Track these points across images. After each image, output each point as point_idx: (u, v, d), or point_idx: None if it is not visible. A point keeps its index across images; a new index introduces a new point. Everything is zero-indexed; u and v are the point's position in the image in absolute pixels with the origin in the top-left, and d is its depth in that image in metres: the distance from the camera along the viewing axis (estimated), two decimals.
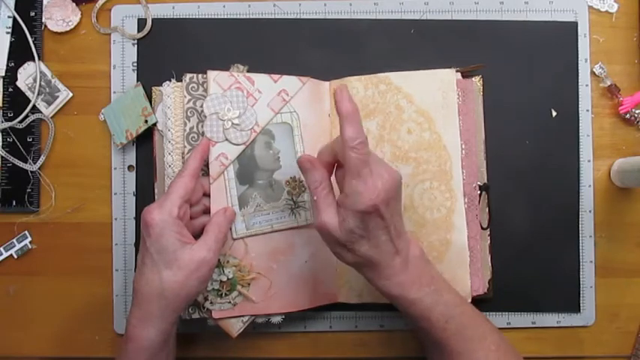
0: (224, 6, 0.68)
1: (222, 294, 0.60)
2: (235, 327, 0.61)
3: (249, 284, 0.61)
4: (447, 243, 0.63)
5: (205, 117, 0.60)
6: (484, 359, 0.54)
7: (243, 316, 0.61)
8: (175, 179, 0.57)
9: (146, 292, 0.54)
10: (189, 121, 0.62)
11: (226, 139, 0.60)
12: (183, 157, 0.62)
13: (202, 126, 0.61)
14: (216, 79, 0.61)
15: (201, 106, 0.61)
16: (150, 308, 0.54)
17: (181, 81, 0.63)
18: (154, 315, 0.54)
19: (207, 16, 0.68)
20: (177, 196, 0.55)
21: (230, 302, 0.60)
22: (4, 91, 0.67)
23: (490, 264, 0.65)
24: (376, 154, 0.54)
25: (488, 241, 0.65)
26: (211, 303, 0.60)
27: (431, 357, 0.59)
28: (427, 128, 0.63)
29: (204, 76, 0.62)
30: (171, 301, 0.54)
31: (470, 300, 0.63)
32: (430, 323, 0.54)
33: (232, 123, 0.61)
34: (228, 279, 0.60)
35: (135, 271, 0.66)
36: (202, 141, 0.60)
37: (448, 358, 0.55)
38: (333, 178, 0.55)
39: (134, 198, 0.67)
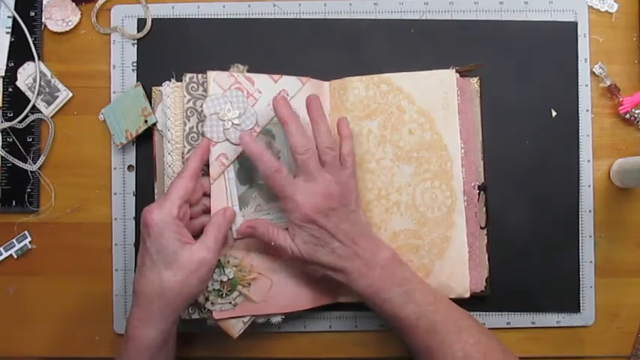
0: (224, 6, 0.68)
1: (222, 294, 0.60)
2: (236, 328, 0.61)
3: (249, 284, 0.61)
4: (447, 240, 0.63)
5: (205, 117, 0.60)
6: (461, 352, 0.54)
7: (243, 316, 0.61)
8: (175, 180, 0.57)
9: (146, 292, 0.54)
10: (188, 121, 0.62)
11: (226, 140, 0.60)
12: (183, 157, 0.62)
13: (202, 126, 0.61)
14: (216, 79, 0.61)
15: (201, 106, 0.61)
16: (150, 308, 0.54)
17: (181, 81, 0.63)
18: (155, 315, 0.54)
19: (207, 16, 0.68)
20: (176, 196, 0.55)
21: (231, 303, 0.60)
22: (4, 91, 0.67)
23: (487, 263, 0.65)
24: (310, 173, 0.57)
25: (486, 240, 0.66)
26: (212, 303, 0.60)
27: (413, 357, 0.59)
28: (428, 129, 0.63)
29: (204, 76, 0.62)
30: (171, 300, 0.54)
31: (469, 293, 0.63)
32: (401, 322, 0.56)
33: (232, 123, 0.61)
34: (228, 279, 0.60)
35: (135, 271, 0.66)
36: (202, 142, 0.60)
37: (423, 356, 0.56)
38: None
39: (134, 198, 0.67)
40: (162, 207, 0.54)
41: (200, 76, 0.62)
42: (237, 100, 0.61)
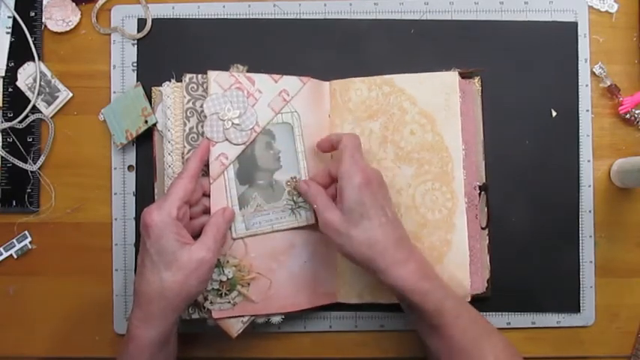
0: (224, 6, 0.68)
1: (222, 294, 0.60)
2: (235, 327, 0.61)
3: (248, 284, 0.61)
4: (448, 243, 0.63)
5: (205, 117, 0.60)
6: (492, 357, 0.54)
7: (242, 316, 0.61)
8: (175, 180, 0.57)
9: (146, 293, 0.54)
10: (188, 121, 0.62)
11: (226, 139, 0.60)
12: (183, 158, 0.62)
13: (202, 126, 0.61)
14: (216, 79, 0.61)
15: (201, 107, 0.61)
16: (151, 309, 0.54)
17: (181, 81, 0.63)
18: (155, 315, 0.54)
19: (207, 16, 0.67)
20: (176, 197, 0.55)
21: (230, 302, 0.60)
22: (4, 91, 0.67)
23: (489, 263, 0.65)
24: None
25: (487, 241, 0.66)
26: (211, 303, 0.60)
27: (432, 358, 0.58)
28: (429, 130, 0.63)
29: (204, 76, 0.62)
30: (171, 301, 0.54)
31: (469, 299, 0.63)
32: (443, 318, 0.54)
33: (232, 123, 0.60)
34: (227, 279, 0.60)
35: (135, 271, 0.67)
36: (202, 143, 0.60)
37: (456, 356, 0.55)
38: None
39: (134, 198, 0.67)
40: (161, 208, 0.54)
41: (200, 76, 0.62)
42: (238, 100, 0.61)
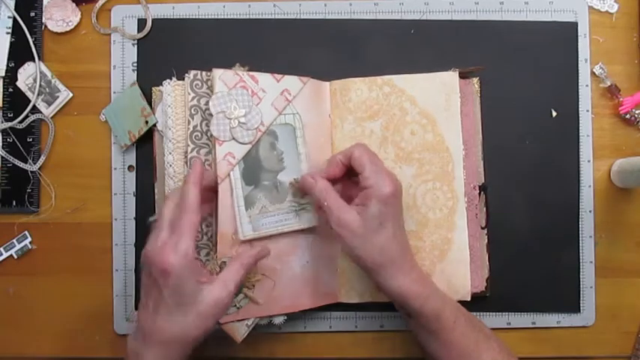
0: (224, 6, 0.68)
1: None
2: (240, 331, 0.61)
3: (253, 286, 0.61)
4: (449, 242, 0.63)
5: (210, 115, 0.60)
6: None
7: (247, 319, 0.61)
8: (181, 216, 0.53)
9: (164, 339, 0.52)
10: (192, 119, 0.61)
11: (233, 138, 0.60)
12: (185, 157, 0.62)
13: (206, 124, 0.61)
14: (221, 77, 0.61)
15: (206, 104, 0.61)
16: (170, 352, 0.53)
17: (182, 79, 0.63)
18: (174, 357, 0.53)
19: (207, 16, 0.67)
20: (188, 236, 0.52)
21: (235, 305, 0.60)
22: (4, 91, 0.67)
23: (487, 263, 0.65)
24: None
25: (486, 241, 0.66)
26: None
27: None
28: (430, 130, 0.63)
29: (209, 73, 0.61)
30: (191, 343, 0.53)
31: (469, 298, 0.63)
32: (441, 323, 0.56)
33: (239, 122, 0.60)
34: None
35: (135, 270, 0.67)
36: (195, 167, 0.57)
37: None
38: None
39: (134, 198, 0.67)
40: (177, 250, 0.52)
41: (204, 73, 0.62)
42: (243, 99, 0.61)
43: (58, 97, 0.67)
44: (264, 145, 0.62)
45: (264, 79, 0.62)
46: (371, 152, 0.58)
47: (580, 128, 0.67)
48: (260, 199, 0.61)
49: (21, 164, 0.67)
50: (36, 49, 0.67)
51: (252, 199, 0.61)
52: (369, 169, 0.56)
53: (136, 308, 0.67)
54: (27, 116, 0.67)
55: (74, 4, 0.67)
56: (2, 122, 0.67)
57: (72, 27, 0.67)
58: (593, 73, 0.67)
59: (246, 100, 0.61)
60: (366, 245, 0.55)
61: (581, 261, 0.67)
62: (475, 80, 0.66)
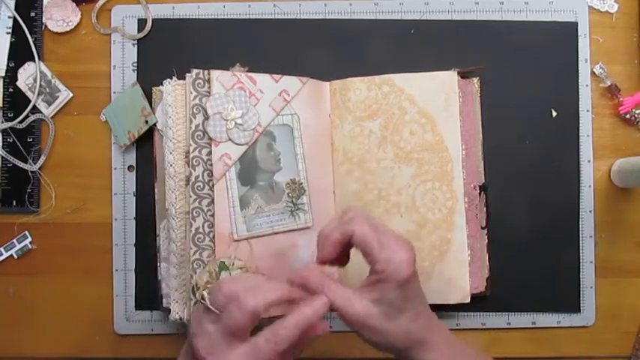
0: (224, 6, 0.68)
1: None
2: None
3: None
4: (448, 242, 0.63)
5: (209, 116, 0.60)
6: None
7: None
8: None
9: None
10: (194, 118, 0.61)
11: (229, 139, 0.60)
12: (186, 156, 0.62)
13: (206, 125, 0.61)
14: (219, 78, 0.61)
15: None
16: None
17: (182, 79, 0.63)
18: None
19: (207, 16, 0.68)
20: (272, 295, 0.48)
21: None
22: (4, 91, 0.67)
23: (488, 263, 0.65)
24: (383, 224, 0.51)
25: (486, 241, 0.65)
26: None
27: None
28: (429, 130, 0.63)
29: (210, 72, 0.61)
30: None
31: (469, 299, 0.63)
32: None
33: (235, 123, 0.60)
34: None
35: (135, 271, 0.67)
36: (306, 311, 0.48)
37: None
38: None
39: (134, 198, 0.67)
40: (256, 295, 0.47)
41: (207, 72, 0.62)
42: (240, 100, 0.61)
43: (58, 97, 0.67)
44: (262, 146, 0.62)
45: (263, 79, 0.62)
46: (374, 223, 0.49)
47: (580, 128, 0.67)
48: (256, 199, 0.61)
49: (21, 164, 0.67)
50: (36, 49, 0.67)
51: (248, 199, 0.61)
52: (378, 250, 0.47)
53: (136, 308, 0.67)
54: (27, 116, 0.67)
55: (74, 4, 0.67)
56: (2, 122, 0.67)
57: (72, 27, 0.67)
58: (593, 73, 0.67)
59: (243, 101, 0.61)
60: (387, 335, 0.48)
61: (581, 261, 0.67)
62: (475, 80, 0.66)
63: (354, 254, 0.51)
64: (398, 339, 0.48)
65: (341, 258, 0.52)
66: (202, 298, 0.49)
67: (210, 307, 0.47)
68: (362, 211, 0.51)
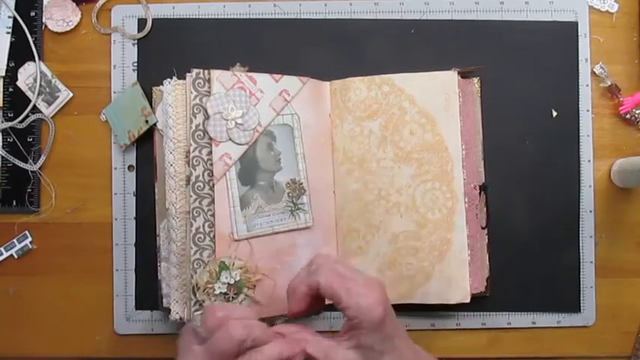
0: (224, 6, 0.68)
1: (229, 298, 0.60)
2: None
3: (254, 286, 0.61)
4: (448, 242, 0.63)
5: (210, 116, 0.60)
6: None
7: None
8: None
9: None
10: (195, 117, 0.61)
11: (230, 139, 0.60)
12: (186, 156, 0.62)
13: (207, 124, 0.60)
14: (219, 78, 0.61)
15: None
16: None
17: (182, 79, 0.63)
18: None
19: (207, 16, 0.67)
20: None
21: None
22: (4, 91, 0.67)
23: (488, 263, 0.65)
24: (350, 265, 0.51)
25: (486, 241, 0.65)
26: None
27: None
28: (429, 130, 0.63)
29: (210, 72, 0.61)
30: None
31: (469, 299, 0.63)
32: None
33: (236, 123, 0.60)
34: (235, 282, 0.60)
35: (135, 271, 0.67)
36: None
37: None
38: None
39: (134, 198, 0.67)
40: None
41: (207, 72, 0.62)
42: (240, 100, 0.61)
43: (58, 96, 0.67)
44: (262, 146, 0.62)
45: (263, 79, 0.62)
46: (337, 267, 0.49)
47: (580, 128, 0.67)
48: (256, 199, 0.61)
49: (21, 164, 0.67)
50: (36, 49, 0.67)
51: (248, 199, 0.61)
52: (346, 297, 0.47)
53: (137, 308, 0.67)
54: (27, 116, 0.67)
55: (74, 4, 0.67)
56: (2, 122, 0.67)
57: (72, 27, 0.67)
58: (593, 73, 0.67)
59: (243, 101, 0.61)
60: None
61: (581, 261, 0.67)
62: (475, 80, 0.66)
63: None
64: None
65: (313, 307, 0.51)
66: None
67: (199, 329, 0.48)
68: (328, 259, 0.50)
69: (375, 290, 0.48)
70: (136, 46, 0.67)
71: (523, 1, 0.68)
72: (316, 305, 0.52)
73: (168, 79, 0.63)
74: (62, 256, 0.67)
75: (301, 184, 0.63)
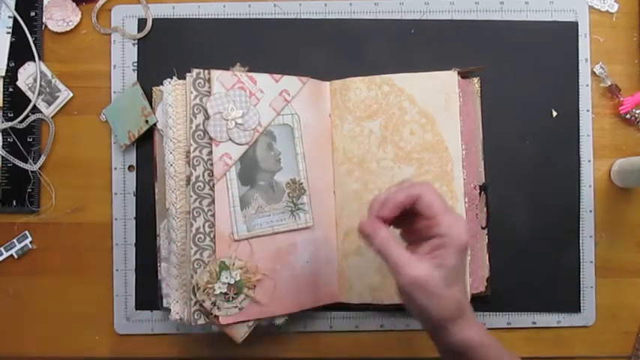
0: (224, 6, 0.68)
1: (229, 298, 0.60)
2: (241, 332, 0.61)
3: (254, 286, 0.61)
4: None
5: (210, 116, 0.60)
6: None
7: (249, 320, 0.61)
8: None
9: None
10: (195, 117, 0.61)
11: (230, 139, 0.60)
12: (186, 156, 0.62)
13: (207, 124, 0.60)
14: (219, 78, 0.61)
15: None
16: None
17: (182, 79, 0.63)
18: None
19: (207, 16, 0.68)
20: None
21: (237, 307, 0.60)
22: (4, 91, 0.67)
23: (488, 263, 0.65)
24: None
25: (486, 241, 0.65)
26: (218, 308, 0.59)
27: None
28: (429, 130, 0.63)
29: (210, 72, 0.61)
30: None
31: (470, 298, 0.63)
32: None
33: (236, 123, 0.60)
34: (235, 282, 0.60)
35: (136, 271, 0.67)
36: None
37: None
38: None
39: (134, 198, 0.67)
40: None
41: (207, 72, 0.61)
42: (240, 100, 0.61)
43: (58, 96, 0.67)
44: (262, 146, 0.62)
45: (263, 79, 0.62)
46: (438, 193, 0.51)
47: (580, 128, 0.67)
48: (256, 199, 0.61)
49: (21, 164, 0.67)
50: (36, 49, 0.67)
51: (248, 199, 0.61)
52: (443, 215, 0.49)
53: (137, 308, 0.67)
54: (27, 116, 0.67)
55: (74, 4, 0.67)
56: (2, 122, 0.67)
57: (72, 27, 0.67)
58: (593, 73, 0.67)
59: (243, 101, 0.61)
60: (440, 302, 0.48)
61: (581, 261, 0.67)
62: (475, 80, 0.66)
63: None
64: (449, 307, 0.49)
65: (394, 221, 0.52)
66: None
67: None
68: (430, 184, 0.52)
69: (463, 221, 0.50)
70: (136, 46, 0.67)
71: (523, 1, 0.68)
72: (394, 222, 0.52)
73: (169, 79, 0.63)
74: (62, 256, 0.67)
75: (301, 184, 0.63)
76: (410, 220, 0.51)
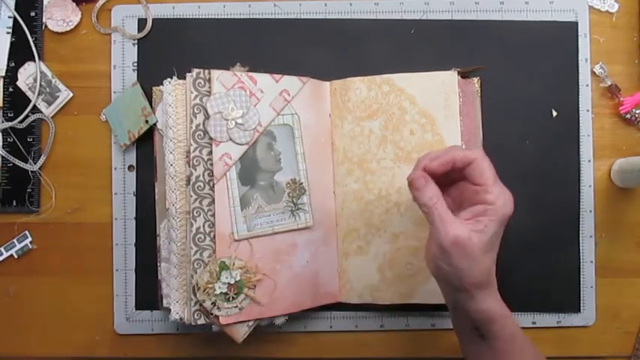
0: (224, 6, 0.68)
1: (229, 298, 0.60)
2: (241, 332, 0.61)
3: (254, 286, 0.61)
4: None
5: (210, 116, 0.60)
6: None
7: (249, 320, 0.61)
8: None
9: None
10: (195, 117, 0.61)
11: (230, 139, 0.60)
12: (186, 156, 0.62)
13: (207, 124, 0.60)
14: (219, 78, 0.61)
15: None
16: None
17: (182, 79, 0.63)
18: None
19: (207, 16, 0.68)
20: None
21: (237, 307, 0.60)
22: (4, 91, 0.67)
23: None
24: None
25: None
26: (218, 308, 0.60)
27: None
28: (429, 129, 0.63)
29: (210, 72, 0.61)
30: None
31: None
32: (514, 345, 0.52)
33: (236, 122, 0.60)
34: (235, 282, 0.60)
35: (136, 271, 0.67)
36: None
37: None
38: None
39: (134, 198, 0.67)
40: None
41: (207, 71, 0.61)
42: (241, 100, 0.61)
43: (58, 96, 0.67)
44: (262, 146, 0.62)
45: (263, 79, 0.62)
46: (490, 162, 0.52)
47: (580, 128, 0.67)
48: (256, 199, 0.61)
49: (21, 164, 0.67)
50: (36, 49, 0.67)
51: (248, 199, 0.61)
52: (493, 182, 0.50)
53: (137, 308, 0.67)
54: (27, 116, 0.67)
55: (74, 4, 0.67)
56: (2, 122, 0.67)
57: (72, 27, 0.67)
58: (593, 73, 0.67)
59: (243, 101, 0.61)
60: (474, 267, 0.50)
61: (581, 261, 0.67)
62: (476, 80, 0.66)
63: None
64: (481, 272, 0.50)
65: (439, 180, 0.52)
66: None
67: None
68: (483, 151, 0.53)
69: (510, 194, 0.51)
70: (136, 46, 0.67)
71: (523, 1, 0.68)
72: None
73: (169, 79, 0.63)
74: (62, 256, 0.67)
75: (301, 184, 0.63)
76: (446, 186, 0.53)
